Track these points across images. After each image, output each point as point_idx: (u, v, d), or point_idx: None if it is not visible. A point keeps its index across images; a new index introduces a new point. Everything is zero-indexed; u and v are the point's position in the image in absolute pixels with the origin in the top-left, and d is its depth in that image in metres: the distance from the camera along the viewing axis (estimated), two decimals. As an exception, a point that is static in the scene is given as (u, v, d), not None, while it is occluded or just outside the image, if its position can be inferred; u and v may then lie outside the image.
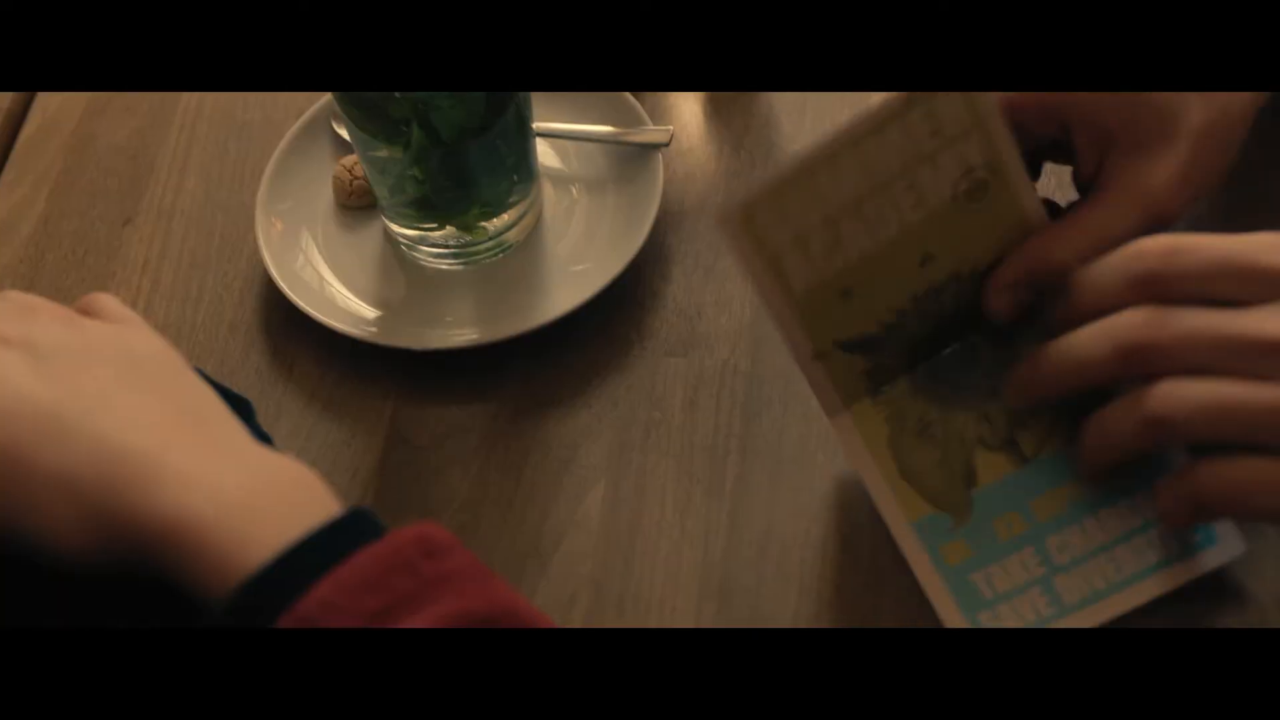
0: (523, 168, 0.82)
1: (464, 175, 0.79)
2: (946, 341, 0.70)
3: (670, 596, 0.72)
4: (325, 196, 0.86)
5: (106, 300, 0.68)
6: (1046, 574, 0.67)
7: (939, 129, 0.63)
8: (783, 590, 0.71)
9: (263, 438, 0.69)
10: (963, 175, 0.64)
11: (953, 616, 0.67)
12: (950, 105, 0.62)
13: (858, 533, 0.72)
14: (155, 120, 0.93)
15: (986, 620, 0.67)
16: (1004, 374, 0.67)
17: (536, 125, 0.83)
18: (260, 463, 0.61)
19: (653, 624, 0.71)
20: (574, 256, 0.83)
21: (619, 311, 0.81)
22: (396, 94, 0.74)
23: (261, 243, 0.83)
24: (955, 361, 0.70)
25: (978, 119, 0.63)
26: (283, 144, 0.87)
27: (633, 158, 0.85)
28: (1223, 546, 0.67)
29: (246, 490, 0.59)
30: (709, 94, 0.90)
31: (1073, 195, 0.72)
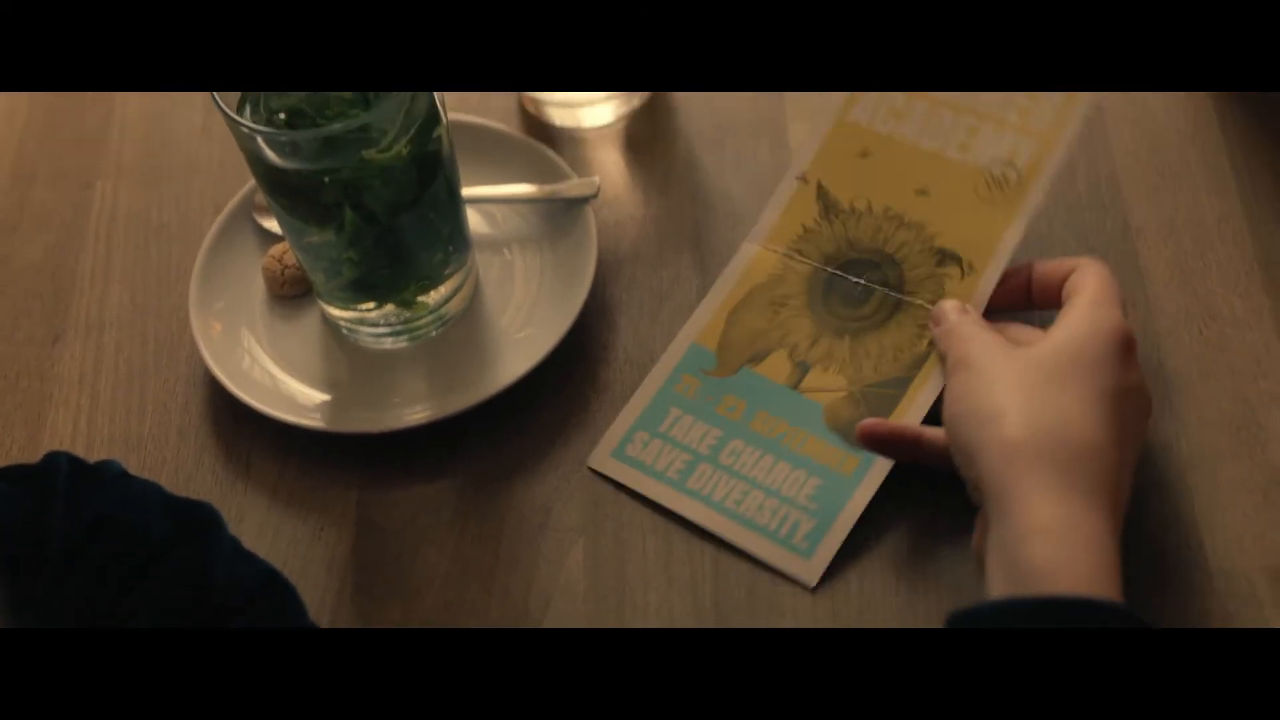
0: (456, 237, 0.81)
1: (399, 251, 0.78)
2: (863, 271, 0.77)
3: (668, 648, 0.71)
4: (258, 290, 0.85)
5: None
6: (705, 455, 0.76)
7: (1029, 111, 0.75)
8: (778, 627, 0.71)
9: (241, 554, 0.68)
10: (1005, 159, 0.75)
11: (624, 419, 0.78)
12: (1049, 102, 0.75)
13: (844, 563, 0.73)
14: (70, 234, 0.91)
15: (631, 441, 0.77)
16: (862, 337, 0.76)
17: (464, 192, 0.83)
18: None
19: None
20: (518, 321, 0.82)
21: (571, 369, 0.81)
22: (326, 179, 0.73)
23: (201, 345, 0.82)
24: (850, 290, 0.77)
25: (1050, 132, 0.75)
26: (206, 242, 0.86)
27: (562, 213, 0.85)
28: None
29: None
30: (626, 140, 0.90)
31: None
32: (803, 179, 0.79)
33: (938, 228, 0.76)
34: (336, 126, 0.72)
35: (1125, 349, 0.67)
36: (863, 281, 0.77)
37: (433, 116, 0.75)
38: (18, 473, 0.69)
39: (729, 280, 0.79)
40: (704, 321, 0.79)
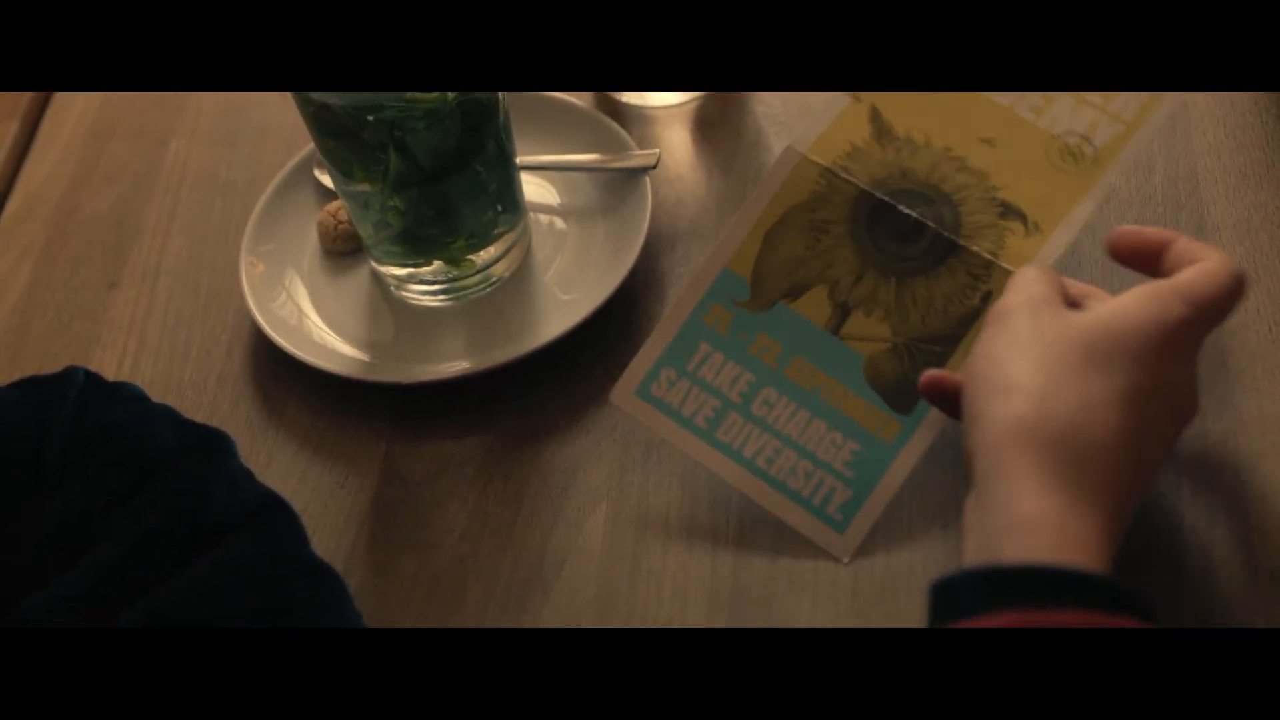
0: (507, 198, 0.80)
1: (445, 204, 0.77)
2: (916, 204, 0.70)
3: (679, 613, 0.69)
4: (311, 243, 0.85)
5: None
6: (736, 403, 0.71)
7: (1112, 96, 0.69)
8: (796, 600, 0.68)
9: (246, 475, 0.67)
10: (1081, 133, 0.69)
11: (650, 351, 0.72)
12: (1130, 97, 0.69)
13: (872, 537, 0.70)
14: (139, 187, 0.92)
15: (656, 380, 0.72)
16: (909, 280, 0.70)
17: (521, 159, 0.82)
18: None
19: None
20: (564, 285, 0.81)
21: (614, 336, 0.79)
22: (370, 118, 0.72)
23: (245, 287, 0.81)
24: (899, 223, 0.71)
25: (1136, 120, 0.69)
26: (266, 194, 0.86)
27: (620, 185, 0.83)
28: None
29: None
30: (696, 119, 0.89)
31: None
32: (855, 98, 0.72)
33: (1003, 180, 0.70)
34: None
35: (1178, 344, 0.61)
36: (915, 215, 0.70)
37: (482, 62, 0.74)
38: (34, 382, 0.68)
39: (765, 193, 0.71)
40: (737, 241, 0.72)
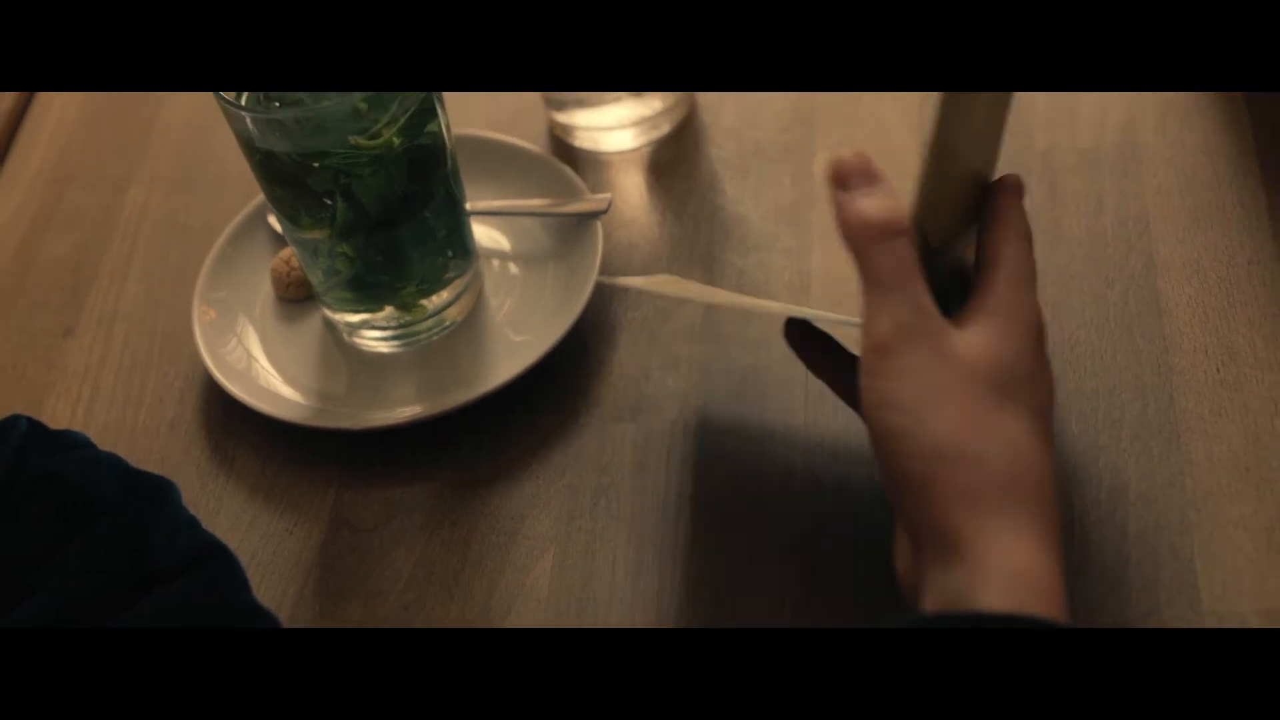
0: (457, 243, 0.80)
1: (394, 251, 0.77)
2: None
3: (623, 659, 0.68)
4: (264, 290, 0.85)
5: None
6: None
7: None
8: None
9: (189, 522, 0.67)
10: None
11: None
12: None
13: (813, 587, 0.69)
14: (97, 233, 0.92)
15: None
16: None
17: (472, 204, 0.82)
18: None
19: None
20: (515, 328, 0.81)
21: (564, 380, 0.79)
22: (316, 165, 0.72)
23: (197, 333, 0.81)
24: None
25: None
26: (220, 240, 0.86)
27: (572, 229, 0.83)
28: None
29: None
30: (650, 163, 0.89)
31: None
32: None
33: None
34: (324, 104, 0.71)
35: (1043, 342, 0.60)
36: None
37: (426, 109, 0.74)
38: (-27, 430, 0.68)
39: None
40: None
